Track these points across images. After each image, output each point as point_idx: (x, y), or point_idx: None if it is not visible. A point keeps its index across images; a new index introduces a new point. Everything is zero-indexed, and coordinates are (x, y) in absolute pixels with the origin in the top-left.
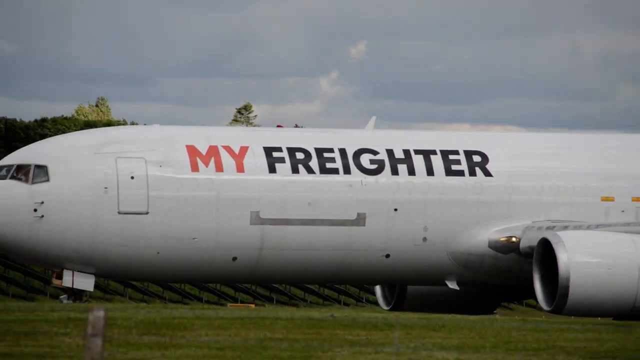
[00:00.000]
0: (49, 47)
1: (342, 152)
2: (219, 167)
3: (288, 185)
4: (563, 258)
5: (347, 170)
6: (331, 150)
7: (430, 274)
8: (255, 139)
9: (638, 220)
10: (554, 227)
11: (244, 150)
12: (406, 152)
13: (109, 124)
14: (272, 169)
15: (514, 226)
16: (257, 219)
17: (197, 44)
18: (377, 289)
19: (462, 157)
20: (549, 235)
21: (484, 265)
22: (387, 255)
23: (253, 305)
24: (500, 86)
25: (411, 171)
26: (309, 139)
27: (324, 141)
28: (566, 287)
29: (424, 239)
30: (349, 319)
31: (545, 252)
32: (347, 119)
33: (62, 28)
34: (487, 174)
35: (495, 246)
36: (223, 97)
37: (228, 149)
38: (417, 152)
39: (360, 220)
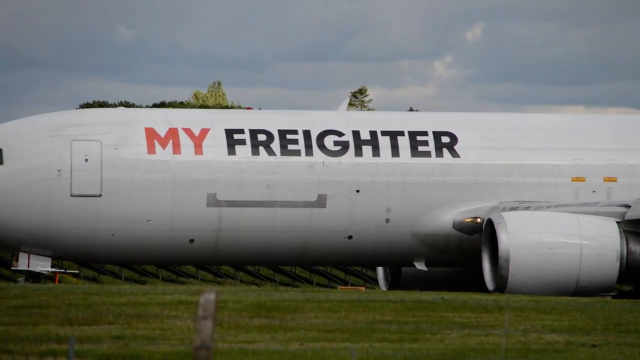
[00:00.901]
0: (165, 32)
1: (306, 133)
2: (177, 149)
3: (246, 167)
4: (503, 239)
5: (309, 152)
6: (295, 132)
7: (396, 256)
8: (218, 121)
9: (610, 200)
10: (517, 207)
11: (204, 132)
12: (373, 134)
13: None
14: (231, 151)
15: (480, 207)
16: (214, 201)
17: (312, 28)
18: (379, 268)
19: (430, 138)
20: (493, 216)
21: (450, 246)
22: (350, 237)
23: (363, 288)
24: (615, 69)
25: (376, 152)
26: (274, 121)
27: (289, 123)
28: (506, 268)
29: (387, 220)
30: (459, 301)
31: (493, 232)
32: (461, 102)
33: (179, 13)
34: (455, 155)
35: (460, 227)
36: (337, 81)
37: (188, 131)
38: (384, 133)
39: (320, 201)
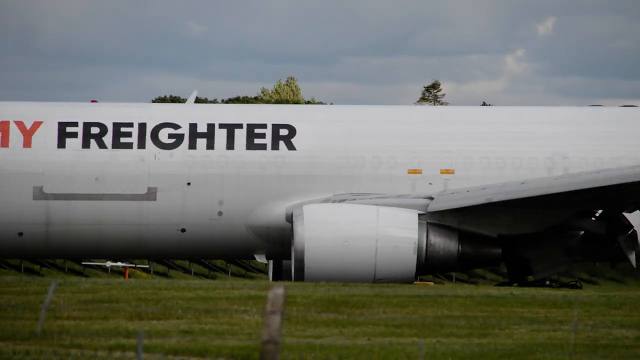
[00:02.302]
0: (234, 27)
1: (142, 126)
2: (5, 143)
3: (75, 160)
4: (299, 231)
5: (141, 145)
6: (130, 125)
7: (233, 248)
8: (51, 114)
9: (416, 193)
10: (347, 199)
11: (36, 125)
12: (210, 127)
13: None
14: (61, 144)
15: (314, 199)
16: (41, 194)
17: (381, 22)
18: (270, 262)
19: (268, 131)
20: (294, 209)
21: (286, 239)
22: (183, 230)
23: (432, 283)
24: None
25: (210, 145)
26: (111, 114)
27: (127, 116)
28: (301, 261)
29: (220, 213)
30: (528, 296)
31: None
32: (532, 96)
33: (247, 8)
34: (291, 147)
35: (291, 220)
36: (406, 76)
37: (20, 124)
38: (221, 126)
39: (150, 194)
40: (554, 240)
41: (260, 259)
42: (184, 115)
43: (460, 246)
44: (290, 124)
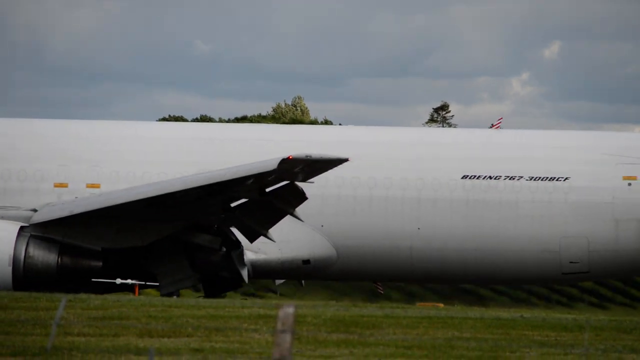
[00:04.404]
0: (242, 47)
1: None
2: None
3: None
4: None
5: None
6: None
7: None
8: None
9: (50, 203)
10: None
11: None
12: None
13: (300, 122)
14: None
15: None
16: None
17: (389, 43)
18: None
19: None
20: None
21: None
22: None
23: (442, 305)
24: None
25: None
26: None
27: None
28: None
29: None
30: (538, 319)
31: None
32: (537, 119)
33: (255, 27)
34: None
35: None
36: (414, 97)
37: None
38: None
39: None
40: (179, 255)
41: None
42: None
43: (60, 259)
44: None
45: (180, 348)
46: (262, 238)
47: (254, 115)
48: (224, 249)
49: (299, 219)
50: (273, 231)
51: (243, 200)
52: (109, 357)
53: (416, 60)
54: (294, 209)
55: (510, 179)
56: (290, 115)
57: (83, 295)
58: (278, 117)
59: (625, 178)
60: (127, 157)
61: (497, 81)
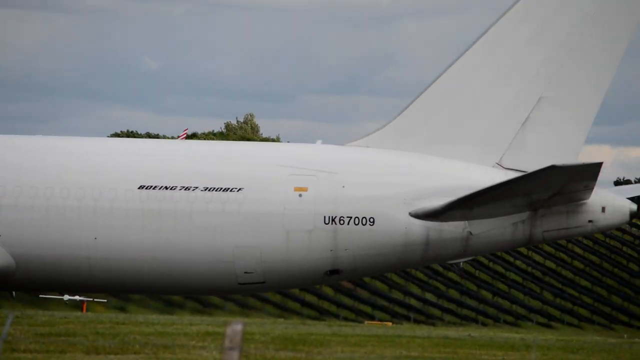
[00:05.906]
0: (191, 63)
1: None
2: None
3: None
4: None
5: None
6: None
7: None
8: None
9: None
10: None
11: None
12: None
13: (249, 139)
14: None
15: None
16: None
17: (339, 62)
18: None
19: None
20: None
21: None
22: None
23: (390, 324)
24: None
25: None
26: None
27: None
28: None
29: None
30: (486, 338)
31: None
32: None
33: (205, 44)
34: None
35: None
36: (363, 115)
37: None
38: None
39: None
40: None
41: None
42: None
43: None
44: None
45: None
46: None
47: (203, 133)
48: None
49: None
50: None
51: None
52: None
53: (365, 78)
54: None
55: (185, 189)
56: (240, 133)
57: (30, 312)
58: (227, 134)
59: (297, 189)
60: None
61: None
